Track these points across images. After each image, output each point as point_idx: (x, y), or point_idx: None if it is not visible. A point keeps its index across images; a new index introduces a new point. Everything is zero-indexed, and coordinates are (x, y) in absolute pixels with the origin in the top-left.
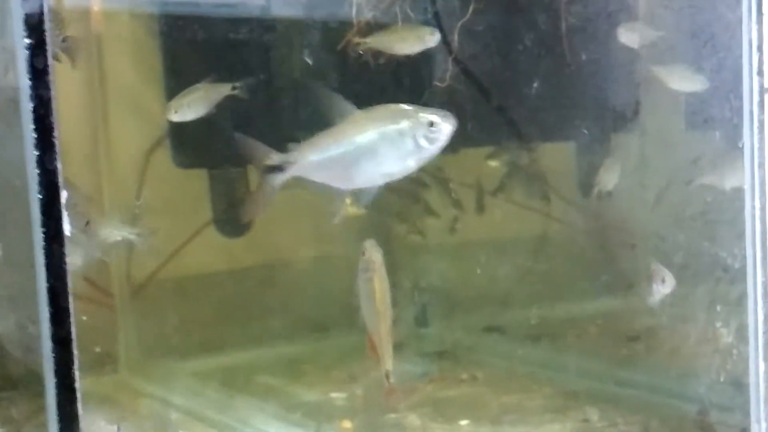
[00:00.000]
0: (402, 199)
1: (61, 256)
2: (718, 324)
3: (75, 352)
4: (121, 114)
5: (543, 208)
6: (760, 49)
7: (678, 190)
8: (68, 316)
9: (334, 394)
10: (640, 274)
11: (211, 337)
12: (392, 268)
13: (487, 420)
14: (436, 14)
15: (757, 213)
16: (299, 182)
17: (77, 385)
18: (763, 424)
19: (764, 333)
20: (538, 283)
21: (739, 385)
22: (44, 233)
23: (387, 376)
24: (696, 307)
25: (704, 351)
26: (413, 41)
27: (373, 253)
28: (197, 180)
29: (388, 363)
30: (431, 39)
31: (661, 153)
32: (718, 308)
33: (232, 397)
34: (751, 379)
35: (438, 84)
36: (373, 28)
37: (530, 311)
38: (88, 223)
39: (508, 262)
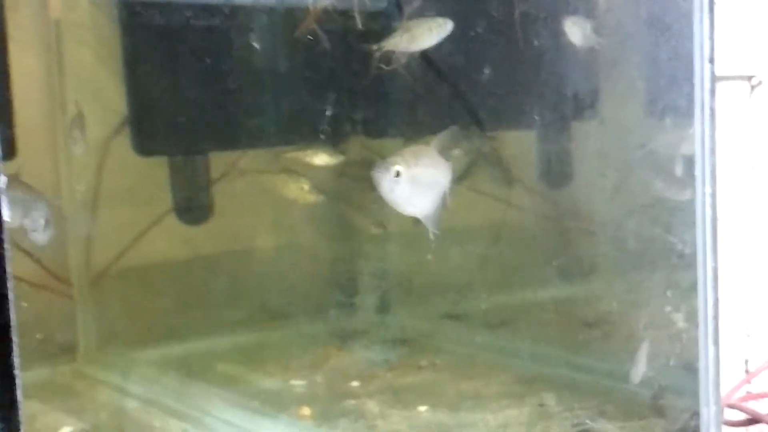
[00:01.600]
0: (358, 184)
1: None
2: (672, 310)
3: (14, 338)
4: (80, 101)
5: (504, 196)
6: (711, 37)
7: (635, 178)
8: (7, 302)
9: (293, 382)
10: (599, 261)
11: (171, 326)
12: (353, 256)
13: (445, 406)
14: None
15: (708, 199)
16: None
17: (17, 372)
18: (713, 407)
19: (714, 317)
20: (498, 270)
21: (691, 369)
22: None
23: None
24: (651, 294)
25: (659, 336)
26: (426, 35)
27: None
28: (158, 167)
29: None
30: (444, 29)
31: (619, 141)
32: (673, 294)
33: (191, 385)
34: (701, 363)
35: (383, 67)
36: (330, 13)
37: (489, 298)
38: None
39: (468, 250)
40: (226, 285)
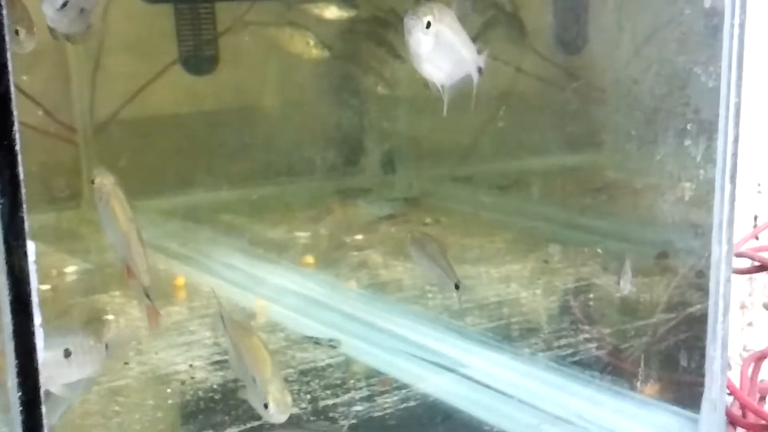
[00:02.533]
0: (366, 41)
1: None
2: (684, 168)
3: (14, 111)
4: None
5: (516, 60)
6: None
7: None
8: (6, 71)
9: (298, 233)
10: (610, 128)
11: (176, 178)
12: (360, 115)
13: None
14: None
15: (736, 31)
16: None
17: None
18: (725, 246)
19: (732, 155)
20: (506, 135)
21: (699, 229)
22: None
23: (147, 295)
24: (664, 154)
25: (667, 199)
26: None
27: (103, 178)
28: (164, 17)
29: (146, 279)
30: None
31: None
32: (686, 148)
33: (196, 231)
34: (716, 200)
35: None
36: None
37: (497, 162)
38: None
39: (478, 114)
40: (233, 140)
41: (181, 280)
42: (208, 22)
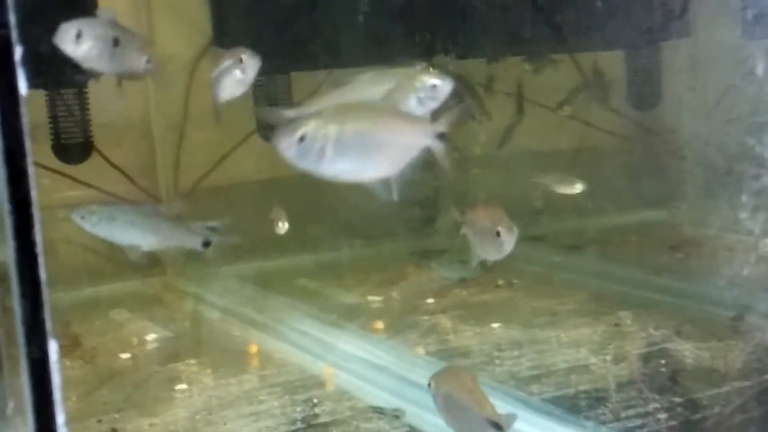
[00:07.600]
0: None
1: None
2: (759, 231)
3: (36, 214)
4: (166, 23)
5: (592, 120)
6: None
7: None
8: (26, 178)
9: (370, 297)
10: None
11: (254, 244)
12: (433, 177)
13: (518, 323)
14: None
15: None
16: None
17: (38, 250)
18: None
19: None
20: (583, 193)
21: None
22: None
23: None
24: (738, 215)
25: (745, 259)
26: None
27: None
28: None
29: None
30: None
31: (715, 62)
32: (761, 215)
33: (271, 298)
34: None
35: None
36: None
37: (570, 221)
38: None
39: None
40: (309, 206)
41: (253, 348)
42: (284, 92)
